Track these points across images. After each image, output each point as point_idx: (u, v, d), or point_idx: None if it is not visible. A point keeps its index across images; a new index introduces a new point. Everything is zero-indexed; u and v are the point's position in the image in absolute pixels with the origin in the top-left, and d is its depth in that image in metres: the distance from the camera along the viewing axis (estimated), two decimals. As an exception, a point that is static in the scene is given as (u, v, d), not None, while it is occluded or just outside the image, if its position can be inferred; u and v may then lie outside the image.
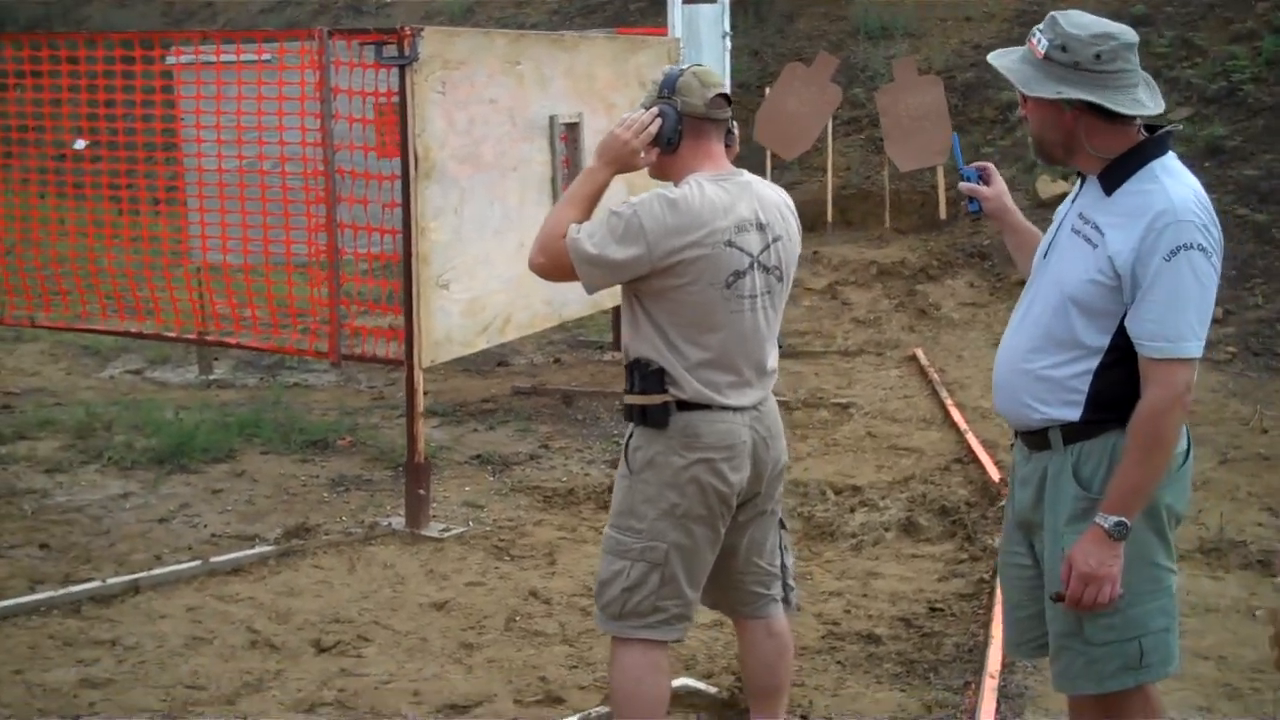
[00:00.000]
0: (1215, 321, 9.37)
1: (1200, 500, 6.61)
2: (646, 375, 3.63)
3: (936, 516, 6.45)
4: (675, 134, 3.66)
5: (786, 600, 4.08)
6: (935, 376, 8.96)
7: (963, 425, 7.80)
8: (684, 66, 3.78)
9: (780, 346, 3.92)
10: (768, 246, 3.68)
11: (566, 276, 3.65)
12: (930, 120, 12.09)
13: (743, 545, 3.89)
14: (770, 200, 3.76)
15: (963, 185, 3.69)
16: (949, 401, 8.33)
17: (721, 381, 3.64)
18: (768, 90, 13.14)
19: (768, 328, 3.73)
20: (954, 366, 9.25)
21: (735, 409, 3.67)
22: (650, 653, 3.75)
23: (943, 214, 12.29)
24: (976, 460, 7.16)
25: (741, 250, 3.61)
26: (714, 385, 3.63)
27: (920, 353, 9.63)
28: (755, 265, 3.64)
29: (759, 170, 12.37)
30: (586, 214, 3.67)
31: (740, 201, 3.64)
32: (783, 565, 4.04)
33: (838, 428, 8.08)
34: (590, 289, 3.64)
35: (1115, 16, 11.89)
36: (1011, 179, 11.89)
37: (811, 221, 12.71)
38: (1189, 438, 3.27)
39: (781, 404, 8.02)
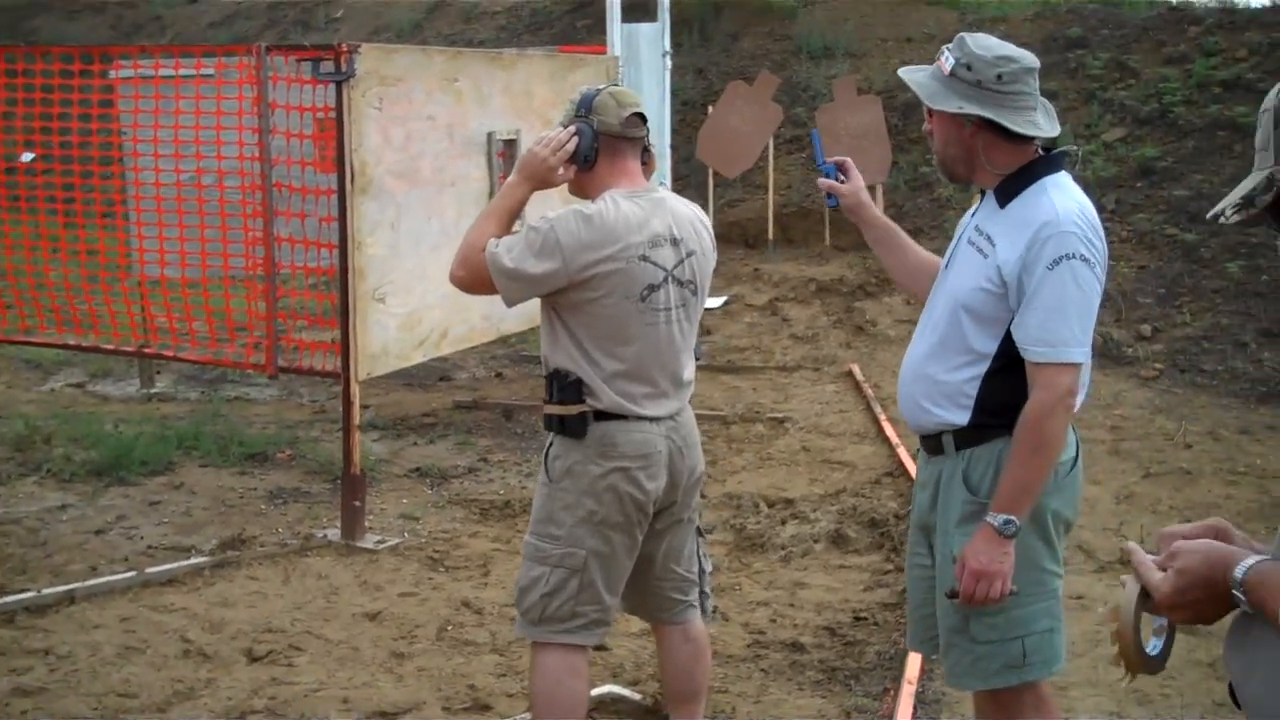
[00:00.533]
0: (1144, 339, 9.74)
1: (1123, 513, 6.77)
2: (565, 386, 3.73)
3: (865, 528, 6.57)
4: (592, 151, 3.77)
5: (703, 608, 4.19)
6: (870, 392, 9.10)
7: (894, 439, 7.94)
8: (601, 86, 3.90)
9: (697, 358, 4.03)
10: (682, 261, 3.80)
11: (486, 289, 3.75)
12: (869, 139, 12.26)
13: (660, 552, 3.99)
14: (684, 216, 3.87)
15: (820, 181, 3.85)
16: (882, 416, 8.46)
17: (638, 392, 3.75)
18: (711, 108, 13.29)
19: (683, 340, 3.85)
20: (889, 382, 9.37)
21: (651, 419, 3.78)
22: (569, 657, 3.85)
23: (882, 232, 12.42)
24: (907, 474, 7.28)
25: (656, 265, 3.72)
26: (630, 396, 3.74)
27: (856, 368, 9.77)
28: (670, 279, 3.76)
29: (701, 187, 12.53)
30: (506, 228, 3.78)
31: (654, 217, 3.76)
32: (700, 572, 4.15)
33: (773, 441, 8.19)
34: (509, 302, 3.75)
35: (1051, 38, 12.14)
36: (949, 198, 12.10)
37: (752, 239, 12.90)
38: (1077, 446, 3.41)
39: (718, 418, 8.28)
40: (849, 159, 3.88)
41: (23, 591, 5.66)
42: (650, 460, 3.78)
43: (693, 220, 3.91)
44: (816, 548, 6.39)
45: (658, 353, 3.77)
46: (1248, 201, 1.95)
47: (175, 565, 6.02)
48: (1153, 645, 2.04)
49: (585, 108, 3.80)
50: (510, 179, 3.89)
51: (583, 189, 3.86)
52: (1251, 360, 9.40)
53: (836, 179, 3.82)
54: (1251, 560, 1.88)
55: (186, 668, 5.04)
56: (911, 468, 7.29)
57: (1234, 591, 1.88)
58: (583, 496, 3.76)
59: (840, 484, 7.32)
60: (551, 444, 3.84)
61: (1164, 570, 1.97)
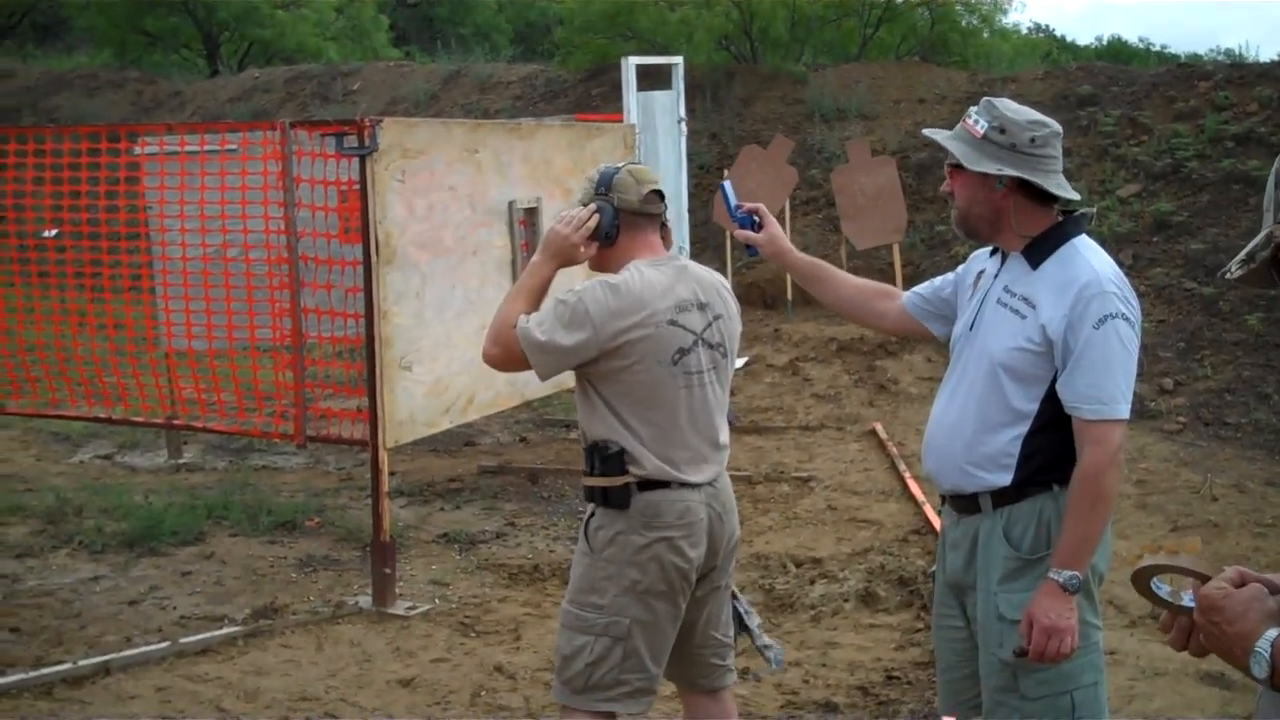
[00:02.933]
0: (1166, 392, 9.76)
1: (1152, 567, 6.76)
2: (607, 457, 3.76)
3: (894, 587, 6.58)
4: (613, 229, 3.86)
5: (768, 661, 4.22)
6: (894, 450, 9.12)
7: (920, 497, 7.95)
8: (620, 165, 3.99)
9: (731, 423, 4.07)
10: (710, 324, 3.86)
11: (519, 365, 3.81)
12: (884, 199, 12.35)
13: (702, 619, 4.01)
14: (708, 281, 3.94)
15: (737, 233, 3.92)
16: (907, 474, 8.48)
17: (678, 457, 3.79)
18: (726, 172, 13.40)
19: (716, 402, 3.89)
20: (912, 440, 9.40)
21: (693, 485, 3.81)
22: None
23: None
24: (934, 531, 7.29)
25: (684, 329, 3.78)
26: (672, 461, 3.77)
27: (879, 427, 9.80)
28: (700, 342, 3.82)
29: (719, 250, 12.63)
30: (534, 305, 3.85)
31: (679, 283, 3.83)
32: (746, 630, 4.17)
33: (799, 501, 8.22)
34: (543, 375, 3.80)
35: (1062, 96, 12.25)
36: (965, 256, 12.17)
37: (772, 300, 12.97)
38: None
39: (744, 478, 8.31)
40: (761, 205, 3.95)
41: (59, 663, 5.69)
42: (693, 529, 3.81)
43: (716, 285, 3.97)
44: (846, 607, 6.40)
45: (693, 416, 3.81)
46: (1249, 257, 2.03)
47: (209, 635, 6.05)
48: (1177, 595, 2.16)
49: (605, 186, 3.89)
50: (535, 258, 3.96)
51: (605, 264, 3.93)
52: (1274, 412, 9.41)
53: (753, 227, 3.87)
54: (1277, 631, 1.93)
55: (224, 737, 5.07)
56: (939, 525, 7.30)
57: (1257, 650, 1.92)
58: (626, 567, 3.78)
59: (867, 542, 7.33)
60: (593, 514, 3.86)
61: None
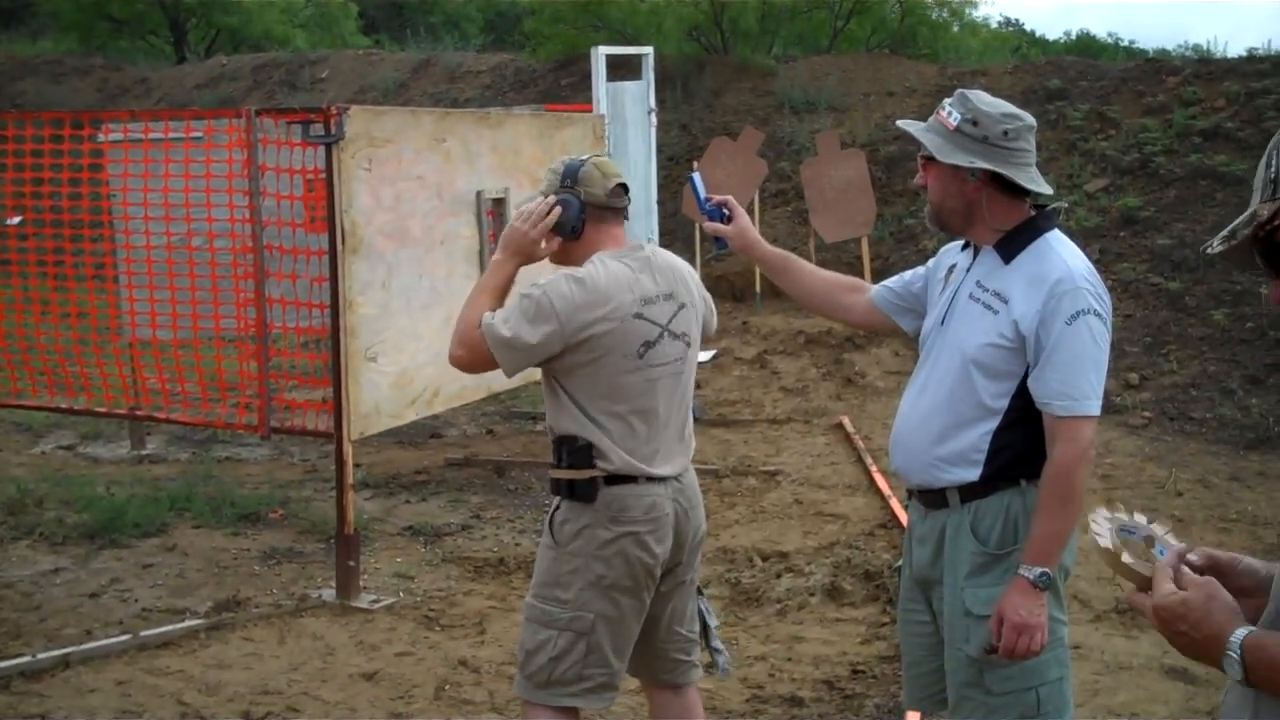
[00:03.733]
0: (1132, 387, 9.78)
1: (1116, 561, 6.77)
2: (574, 451, 3.73)
3: (860, 581, 6.57)
4: (579, 223, 3.81)
5: (717, 664, 4.18)
6: (861, 444, 9.11)
7: (887, 491, 7.95)
8: (585, 158, 3.92)
9: (696, 417, 4.04)
10: (675, 314, 3.82)
11: (486, 365, 3.75)
12: (853, 192, 12.36)
13: (666, 614, 3.98)
14: (672, 270, 3.90)
15: (707, 225, 3.88)
16: (874, 468, 8.48)
17: (645, 451, 3.75)
18: (695, 164, 13.37)
19: (682, 395, 3.87)
20: (879, 434, 9.40)
21: (660, 480, 3.78)
22: (559, 717, 3.83)
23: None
24: (900, 525, 7.28)
25: (650, 321, 3.74)
26: (639, 455, 3.74)
27: (846, 420, 9.79)
28: (666, 334, 3.78)
29: (689, 242, 12.60)
30: (497, 304, 3.80)
31: (644, 274, 3.79)
32: (706, 629, 4.14)
33: (765, 495, 8.20)
34: (510, 372, 3.74)
35: (1031, 90, 12.25)
36: (934, 250, 12.18)
37: (740, 292, 12.95)
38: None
39: (710, 472, 8.29)
40: (730, 197, 3.91)
41: (18, 656, 5.62)
42: (659, 524, 3.78)
43: (682, 274, 3.93)
44: (812, 601, 6.39)
45: (658, 408, 3.78)
46: (1231, 234, 2.02)
47: (170, 628, 5.99)
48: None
49: (571, 179, 3.83)
50: (495, 256, 3.89)
51: (569, 258, 3.87)
52: (1239, 407, 9.45)
53: (722, 219, 3.84)
54: (1244, 630, 1.92)
55: (184, 731, 5.02)
56: (905, 519, 7.29)
57: (1229, 654, 1.92)
58: (591, 561, 3.74)
59: (834, 536, 7.32)
60: (558, 508, 3.82)
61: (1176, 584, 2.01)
